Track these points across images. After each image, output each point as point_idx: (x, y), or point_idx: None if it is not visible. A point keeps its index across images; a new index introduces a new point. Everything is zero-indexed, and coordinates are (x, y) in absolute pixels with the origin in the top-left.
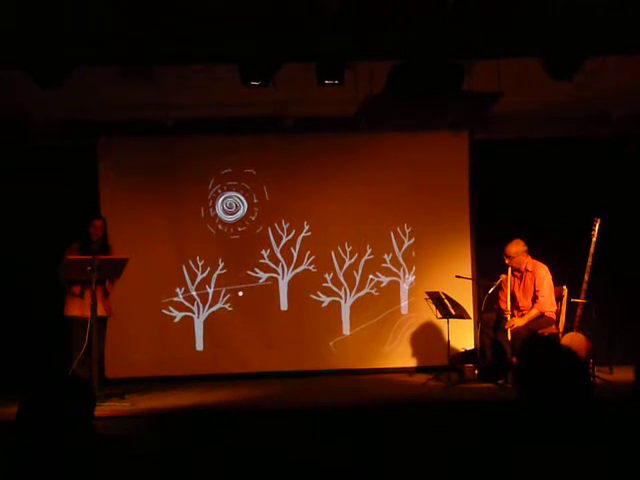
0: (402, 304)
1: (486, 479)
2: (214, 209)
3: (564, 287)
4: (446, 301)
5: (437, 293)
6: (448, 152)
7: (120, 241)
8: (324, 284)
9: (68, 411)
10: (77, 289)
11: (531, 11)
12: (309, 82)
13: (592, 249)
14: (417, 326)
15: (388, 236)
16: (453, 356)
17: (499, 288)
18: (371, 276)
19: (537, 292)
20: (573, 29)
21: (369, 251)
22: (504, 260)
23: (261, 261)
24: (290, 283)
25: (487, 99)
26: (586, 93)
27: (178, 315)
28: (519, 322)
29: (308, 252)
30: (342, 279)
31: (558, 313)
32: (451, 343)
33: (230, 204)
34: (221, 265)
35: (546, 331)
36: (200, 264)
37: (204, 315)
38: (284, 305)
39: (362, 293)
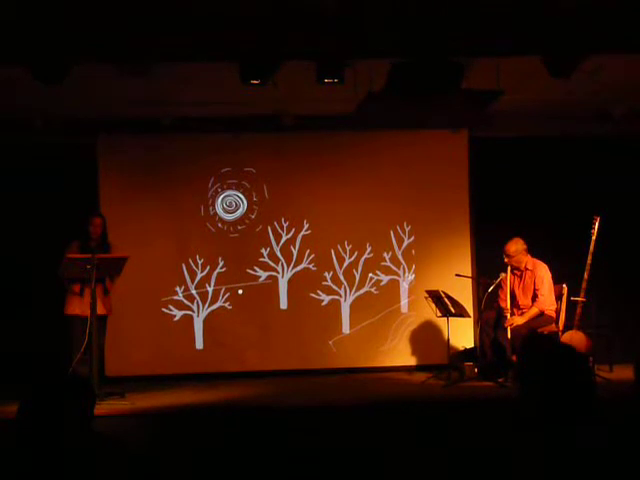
0: (402, 302)
1: (486, 478)
2: (214, 207)
3: (564, 285)
4: (446, 299)
5: (437, 292)
6: (448, 150)
7: (120, 239)
8: (324, 282)
9: (68, 410)
10: (77, 287)
11: (531, 9)
12: (309, 80)
13: (592, 247)
14: (417, 324)
15: (388, 234)
16: (453, 354)
17: (499, 286)
18: (371, 274)
19: (537, 290)
20: (573, 27)
21: (369, 249)
22: (504, 259)
23: (261, 260)
24: (290, 282)
25: (487, 97)
26: (586, 91)
27: (178, 314)
28: (519, 320)
29: (308, 251)
30: (342, 278)
31: (558, 311)
32: (451, 341)
33: (230, 202)
34: (221, 264)
35: (546, 329)
36: (200, 262)
37: (204, 314)
38: (284, 304)
39: (362, 291)
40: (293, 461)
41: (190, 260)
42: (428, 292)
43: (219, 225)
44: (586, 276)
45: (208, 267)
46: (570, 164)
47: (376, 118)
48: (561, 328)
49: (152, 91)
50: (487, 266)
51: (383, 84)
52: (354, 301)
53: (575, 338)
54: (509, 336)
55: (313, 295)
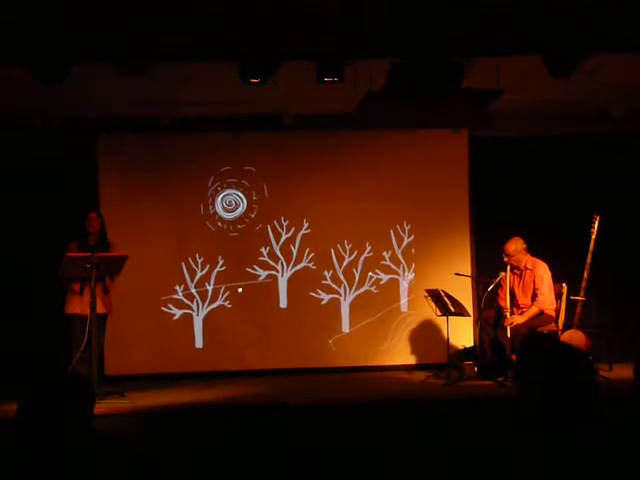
0: (402, 302)
1: (486, 477)
2: (214, 206)
3: (564, 285)
4: (445, 299)
5: (436, 291)
6: (448, 150)
7: (120, 238)
8: (323, 281)
9: (67, 408)
10: (77, 286)
11: (531, 9)
12: (309, 80)
13: (592, 246)
14: (416, 324)
15: (388, 234)
16: (453, 353)
17: (498, 286)
18: (370, 273)
19: (537, 290)
20: (573, 27)
21: (368, 248)
22: (503, 258)
23: (260, 259)
24: (289, 280)
25: (487, 97)
26: (585, 91)
27: (177, 312)
28: (518, 320)
29: (307, 249)
30: (341, 276)
31: (558, 311)
32: (450, 340)
33: (229, 201)
34: (220, 262)
35: (546, 329)
36: (199, 261)
37: (203, 312)
38: (283, 302)
39: (361, 290)
40: (293, 460)
41: (190, 259)
42: (428, 291)
43: (219, 224)
44: (586, 275)
45: (208, 266)
46: (570, 164)
47: (376, 118)
48: (561, 327)
49: (152, 91)
50: (487, 265)
51: (383, 84)
52: (354, 300)
53: (575, 337)
54: (509, 335)
55: (313, 294)
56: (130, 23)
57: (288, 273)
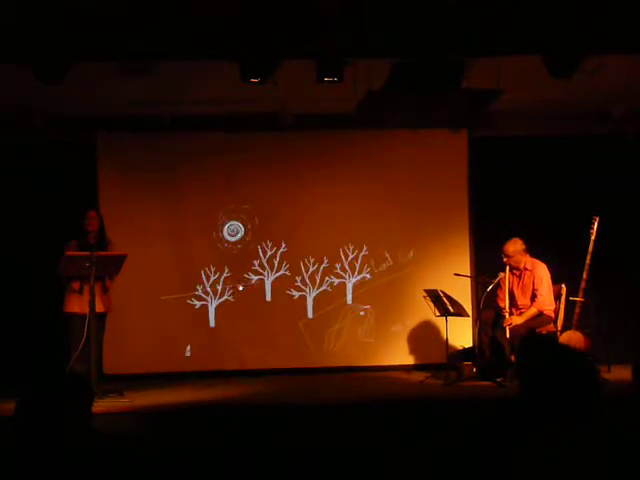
0: (347, 297)
1: (485, 478)
2: (222, 232)
3: (563, 285)
4: (444, 299)
5: (435, 291)
6: (447, 150)
7: (119, 237)
8: (295, 283)
9: (66, 407)
10: (76, 285)
11: (531, 9)
12: (309, 79)
13: (591, 247)
14: (416, 324)
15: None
16: (451, 354)
17: (498, 286)
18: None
19: (536, 290)
20: (573, 27)
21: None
22: (503, 258)
23: (253, 268)
24: (273, 283)
25: (486, 97)
26: (586, 91)
27: (198, 303)
28: (518, 320)
29: (285, 262)
30: (307, 280)
31: (557, 311)
32: (449, 341)
33: (233, 230)
34: (226, 270)
35: (544, 329)
36: (212, 270)
37: (215, 303)
38: (268, 297)
39: (322, 289)
40: (292, 459)
41: (206, 268)
42: (427, 291)
43: (225, 245)
44: (585, 276)
45: (218, 273)
46: (570, 164)
47: (376, 118)
48: (560, 328)
49: (152, 90)
50: (486, 266)
51: (383, 83)
52: (316, 295)
53: (574, 338)
54: (508, 336)
55: (288, 291)
56: (130, 23)
57: (272, 278)
